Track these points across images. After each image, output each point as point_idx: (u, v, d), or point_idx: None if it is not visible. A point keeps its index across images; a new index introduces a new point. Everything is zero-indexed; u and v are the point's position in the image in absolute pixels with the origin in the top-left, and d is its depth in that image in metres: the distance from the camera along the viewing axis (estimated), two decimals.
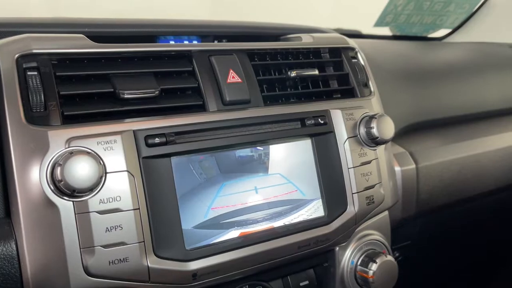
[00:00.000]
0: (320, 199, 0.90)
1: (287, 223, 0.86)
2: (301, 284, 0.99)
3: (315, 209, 0.89)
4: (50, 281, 0.67)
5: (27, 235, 0.67)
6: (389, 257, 0.98)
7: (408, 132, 1.16)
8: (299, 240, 0.86)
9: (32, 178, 0.67)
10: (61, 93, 0.72)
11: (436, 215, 1.20)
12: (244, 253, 0.80)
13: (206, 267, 0.76)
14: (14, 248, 0.68)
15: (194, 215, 0.77)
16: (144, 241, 0.71)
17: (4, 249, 0.68)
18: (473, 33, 1.75)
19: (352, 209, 0.92)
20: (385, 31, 1.72)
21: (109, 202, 0.69)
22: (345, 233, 0.92)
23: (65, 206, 0.67)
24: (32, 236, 0.67)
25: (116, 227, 0.69)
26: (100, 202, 0.68)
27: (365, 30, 1.68)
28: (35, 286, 0.67)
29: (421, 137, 1.18)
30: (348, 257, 0.99)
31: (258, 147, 0.85)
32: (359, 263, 0.99)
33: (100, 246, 0.68)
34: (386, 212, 1.05)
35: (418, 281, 1.35)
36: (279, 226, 0.85)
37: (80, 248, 0.67)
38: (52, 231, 0.67)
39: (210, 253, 0.77)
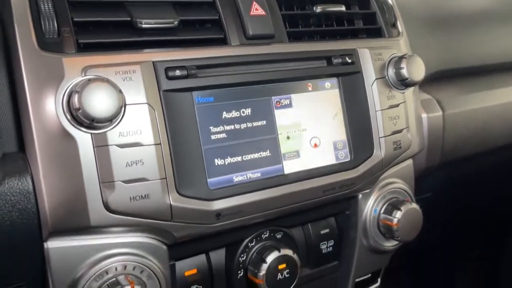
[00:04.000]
0: (346, 143, 0.85)
1: (312, 166, 0.82)
2: (322, 232, 0.97)
3: (341, 153, 0.85)
4: (69, 217, 0.64)
5: (44, 169, 0.63)
6: (414, 205, 0.95)
7: (435, 80, 1.11)
8: (324, 183, 0.82)
9: (47, 107, 0.62)
10: (74, 19, 0.67)
11: (459, 167, 1.16)
12: (268, 195, 0.77)
13: (230, 207, 0.73)
14: (30, 183, 0.64)
15: (217, 154, 0.73)
16: (166, 178, 0.67)
17: (20, 183, 0.64)
18: None
19: (378, 153, 0.88)
20: None
21: (129, 135, 0.65)
22: (371, 179, 0.89)
23: (83, 138, 0.63)
24: (49, 170, 0.63)
25: (137, 162, 0.65)
26: (119, 135, 0.64)
27: None
28: (53, 222, 0.63)
29: (448, 85, 1.13)
30: (371, 205, 0.96)
31: (283, 86, 0.80)
32: (382, 211, 0.95)
33: (121, 181, 0.64)
34: (411, 161, 1.01)
35: (436, 234, 1.33)
36: (304, 169, 0.81)
37: (99, 183, 0.64)
38: (70, 164, 0.63)
39: (234, 193, 0.74)
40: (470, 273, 2.03)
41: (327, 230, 0.97)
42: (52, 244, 0.66)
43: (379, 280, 1.10)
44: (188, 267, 0.82)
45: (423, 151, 1.02)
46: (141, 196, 0.66)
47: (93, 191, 0.63)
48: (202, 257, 0.84)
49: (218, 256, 0.86)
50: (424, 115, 1.02)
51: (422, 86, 1.09)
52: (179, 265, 0.81)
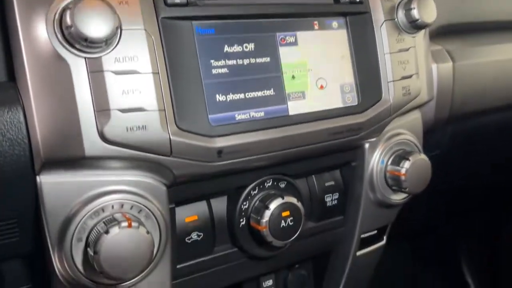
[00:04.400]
0: (354, 86, 0.82)
1: (318, 108, 0.78)
2: (326, 184, 0.93)
3: (348, 97, 0.81)
4: (63, 146, 0.60)
5: (35, 96, 0.60)
6: (423, 156, 0.91)
7: (445, 33, 1.07)
8: (331, 126, 0.78)
9: (38, 29, 0.59)
10: None
11: (468, 123, 1.12)
12: (272, 135, 0.73)
13: (232, 145, 0.69)
14: (21, 112, 0.61)
15: (218, 90, 0.70)
16: (165, 110, 0.64)
17: (10, 113, 0.61)
18: None
19: (387, 98, 0.84)
20: None
21: (126, 61, 0.61)
22: (379, 125, 0.85)
23: (76, 63, 0.59)
24: (41, 97, 0.60)
25: (134, 90, 0.62)
26: (115, 61, 0.61)
27: None
28: (46, 151, 0.60)
29: (459, 38, 1.09)
30: (378, 156, 0.92)
31: (288, 22, 0.76)
32: (389, 162, 0.92)
33: (117, 109, 0.61)
34: (419, 113, 0.98)
35: (444, 192, 1.30)
36: (309, 111, 0.77)
37: (94, 111, 0.60)
38: (63, 91, 0.60)
39: (236, 131, 0.70)
40: (473, 252, 2.01)
41: (331, 183, 0.94)
42: (45, 179, 0.63)
43: (385, 238, 1.07)
44: (189, 213, 0.79)
45: (432, 102, 0.99)
46: (138, 127, 0.62)
47: (88, 119, 0.60)
48: (203, 204, 0.81)
49: (220, 204, 0.83)
50: (434, 65, 0.98)
51: (432, 38, 1.04)
52: (179, 211, 0.78)
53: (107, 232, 0.61)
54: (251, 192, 0.82)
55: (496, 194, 1.67)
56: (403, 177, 0.90)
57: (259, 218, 0.79)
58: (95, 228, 0.64)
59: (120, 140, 0.61)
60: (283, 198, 0.80)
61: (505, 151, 1.33)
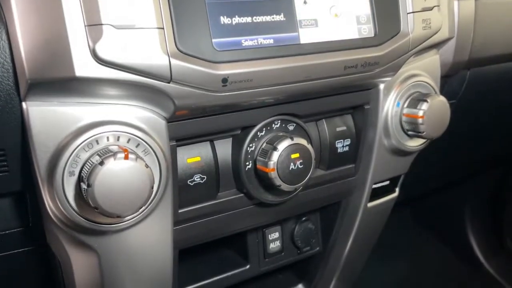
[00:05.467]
0: (371, 17, 0.75)
1: (331, 38, 0.71)
2: (338, 129, 0.87)
3: (364, 28, 0.74)
4: (50, 66, 0.54)
5: (18, 9, 0.54)
6: (442, 97, 0.85)
7: None
8: (345, 59, 0.72)
9: None
10: None
11: (488, 71, 1.05)
12: (282, 65, 0.67)
13: (238, 73, 0.63)
14: (3, 29, 0.54)
15: (222, 11, 0.63)
16: (163, 28, 0.57)
17: None
18: None
19: (406, 31, 0.77)
20: None
21: None
22: (396, 61, 0.78)
23: None
24: (24, 10, 0.54)
25: (129, 4, 0.55)
26: None
27: None
28: (31, 72, 0.54)
29: None
30: (394, 98, 0.86)
31: None
32: (406, 105, 0.86)
33: (110, 25, 0.54)
34: (437, 55, 0.91)
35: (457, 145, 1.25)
36: (323, 41, 0.71)
37: (85, 25, 0.54)
38: (48, 2, 0.53)
39: (243, 58, 0.64)
40: (477, 215, 1.98)
41: (343, 128, 0.88)
42: (32, 105, 0.57)
43: (397, 190, 1.02)
44: (191, 154, 0.74)
45: (451, 42, 0.92)
46: (135, 46, 0.55)
47: (77, 35, 0.53)
48: (207, 145, 0.75)
49: (224, 146, 0.77)
50: (455, 1, 0.91)
51: None
52: (181, 151, 0.72)
53: (101, 163, 0.55)
54: (258, 133, 0.76)
55: (504, 151, 1.61)
56: (420, 120, 0.83)
57: (266, 160, 0.74)
58: (89, 161, 0.58)
59: (115, 60, 0.55)
60: (292, 140, 0.74)
61: None
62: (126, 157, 0.56)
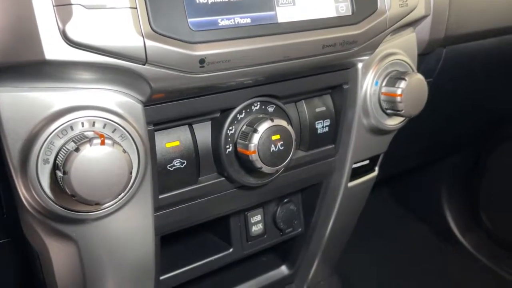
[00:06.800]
0: None
1: (310, 17, 0.70)
2: (317, 110, 0.87)
3: (341, 6, 0.74)
4: (17, 50, 0.52)
5: None
6: (419, 75, 0.85)
7: None
8: (324, 37, 0.71)
9: None
10: None
11: (463, 49, 1.06)
12: (260, 44, 0.65)
13: (216, 53, 0.61)
14: None
15: None
16: (136, 8, 0.55)
17: None
18: None
19: (383, 8, 0.77)
20: None
21: None
22: (374, 40, 0.78)
23: None
24: None
25: None
26: None
27: None
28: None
29: None
30: (372, 77, 0.86)
31: None
32: (384, 83, 0.86)
33: (79, 4, 0.52)
34: (414, 33, 0.91)
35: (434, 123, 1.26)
36: (301, 20, 0.70)
37: (53, 5, 0.51)
38: None
39: (220, 37, 0.62)
40: (454, 194, 2.02)
41: (322, 108, 0.88)
42: (1, 91, 0.54)
43: (376, 169, 1.03)
44: (170, 139, 0.72)
45: (427, 20, 0.92)
46: (107, 26, 0.53)
47: (45, 15, 0.51)
48: (185, 129, 0.74)
49: (203, 129, 0.76)
50: None
51: None
52: (159, 136, 0.71)
53: (77, 150, 0.54)
54: (238, 116, 0.75)
55: (480, 130, 1.65)
56: (398, 98, 0.84)
57: (247, 142, 0.73)
58: (64, 147, 0.56)
59: (86, 42, 0.53)
60: (272, 121, 0.73)
61: (499, 82, 1.29)
62: (102, 143, 0.55)
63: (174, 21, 0.59)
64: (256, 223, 0.96)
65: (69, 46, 0.52)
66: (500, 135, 1.76)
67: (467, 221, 2.01)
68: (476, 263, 1.88)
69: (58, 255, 0.66)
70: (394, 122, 0.90)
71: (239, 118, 0.75)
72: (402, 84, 0.83)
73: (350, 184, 0.97)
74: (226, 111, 0.74)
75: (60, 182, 0.55)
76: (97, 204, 0.57)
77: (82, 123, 0.58)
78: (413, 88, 0.84)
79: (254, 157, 0.73)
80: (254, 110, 0.77)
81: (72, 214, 0.59)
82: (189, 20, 0.60)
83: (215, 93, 0.70)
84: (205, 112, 0.72)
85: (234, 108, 0.74)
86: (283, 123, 0.74)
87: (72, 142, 0.56)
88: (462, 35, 1.01)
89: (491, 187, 1.90)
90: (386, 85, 0.85)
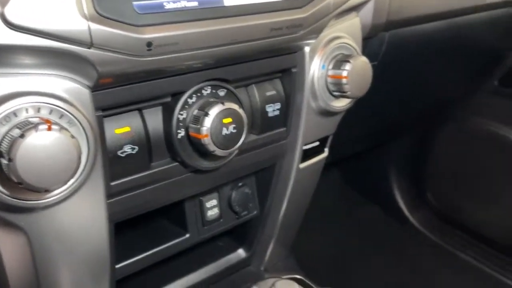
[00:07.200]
0: None
1: (256, 1, 0.72)
2: (267, 94, 0.89)
3: None
4: None
5: None
6: (364, 58, 0.89)
7: None
8: (271, 21, 0.73)
9: None
10: None
11: (406, 33, 1.11)
12: (207, 27, 0.66)
13: (163, 36, 0.62)
14: None
15: None
16: None
17: None
18: None
19: None
20: None
21: None
22: (319, 23, 0.81)
23: None
24: None
25: None
26: None
27: None
28: None
29: None
30: (319, 61, 0.89)
31: None
32: (330, 66, 0.89)
33: None
34: (358, 18, 0.95)
35: (380, 106, 1.32)
36: (248, 3, 0.71)
37: None
38: None
39: (167, 20, 0.62)
40: (403, 177, 2.12)
41: (273, 92, 0.89)
42: None
43: (326, 150, 1.06)
44: (120, 124, 0.72)
45: (369, 5, 0.96)
46: (49, 8, 0.52)
47: None
48: (136, 115, 0.74)
49: (154, 115, 0.76)
50: None
51: None
52: (108, 122, 0.70)
53: (22, 136, 0.52)
54: (188, 100, 0.75)
55: (425, 113, 1.73)
56: (344, 80, 0.87)
57: (199, 126, 0.73)
58: (8, 134, 0.55)
59: (27, 25, 0.51)
60: (223, 104, 0.74)
61: (441, 65, 1.36)
62: (49, 129, 0.54)
63: (119, 4, 0.58)
64: (212, 208, 0.97)
65: (9, 29, 0.51)
66: (444, 117, 1.86)
67: (415, 200, 2.11)
68: (425, 240, 1.99)
69: (7, 246, 0.65)
70: (341, 104, 0.94)
71: (190, 103, 0.75)
72: (347, 67, 0.86)
73: (302, 165, 1.00)
74: (176, 96, 0.75)
75: (6, 169, 0.53)
76: (46, 191, 0.56)
77: (27, 109, 0.56)
78: (358, 70, 0.87)
79: (207, 140, 0.73)
80: (205, 94, 0.77)
81: (19, 203, 0.58)
82: (133, 2, 0.60)
83: (165, 77, 0.70)
84: (155, 96, 0.72)
85: (184, 92, 0.74)
86: (235, 106, 0.75)
87: (17, 129, 0.55)
88: (404, 20, 1.06)
89: (437, 168, 2.00)
90: (333, 68, 0.88)
